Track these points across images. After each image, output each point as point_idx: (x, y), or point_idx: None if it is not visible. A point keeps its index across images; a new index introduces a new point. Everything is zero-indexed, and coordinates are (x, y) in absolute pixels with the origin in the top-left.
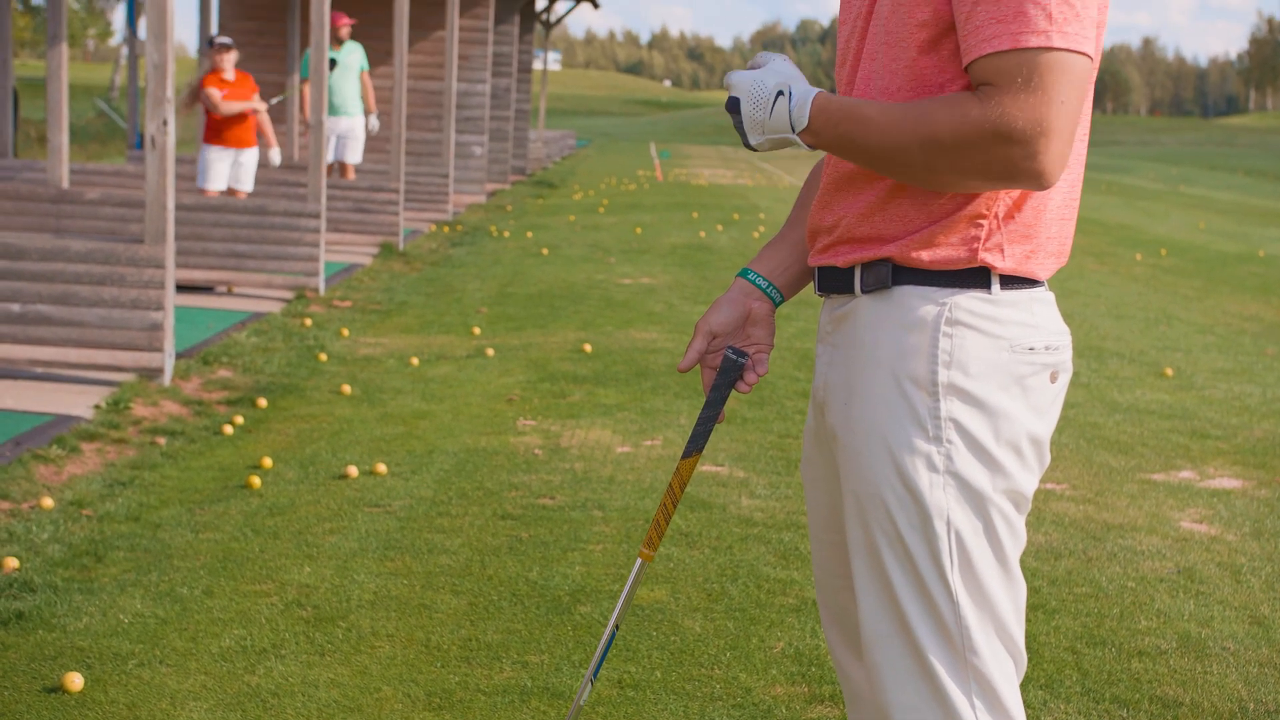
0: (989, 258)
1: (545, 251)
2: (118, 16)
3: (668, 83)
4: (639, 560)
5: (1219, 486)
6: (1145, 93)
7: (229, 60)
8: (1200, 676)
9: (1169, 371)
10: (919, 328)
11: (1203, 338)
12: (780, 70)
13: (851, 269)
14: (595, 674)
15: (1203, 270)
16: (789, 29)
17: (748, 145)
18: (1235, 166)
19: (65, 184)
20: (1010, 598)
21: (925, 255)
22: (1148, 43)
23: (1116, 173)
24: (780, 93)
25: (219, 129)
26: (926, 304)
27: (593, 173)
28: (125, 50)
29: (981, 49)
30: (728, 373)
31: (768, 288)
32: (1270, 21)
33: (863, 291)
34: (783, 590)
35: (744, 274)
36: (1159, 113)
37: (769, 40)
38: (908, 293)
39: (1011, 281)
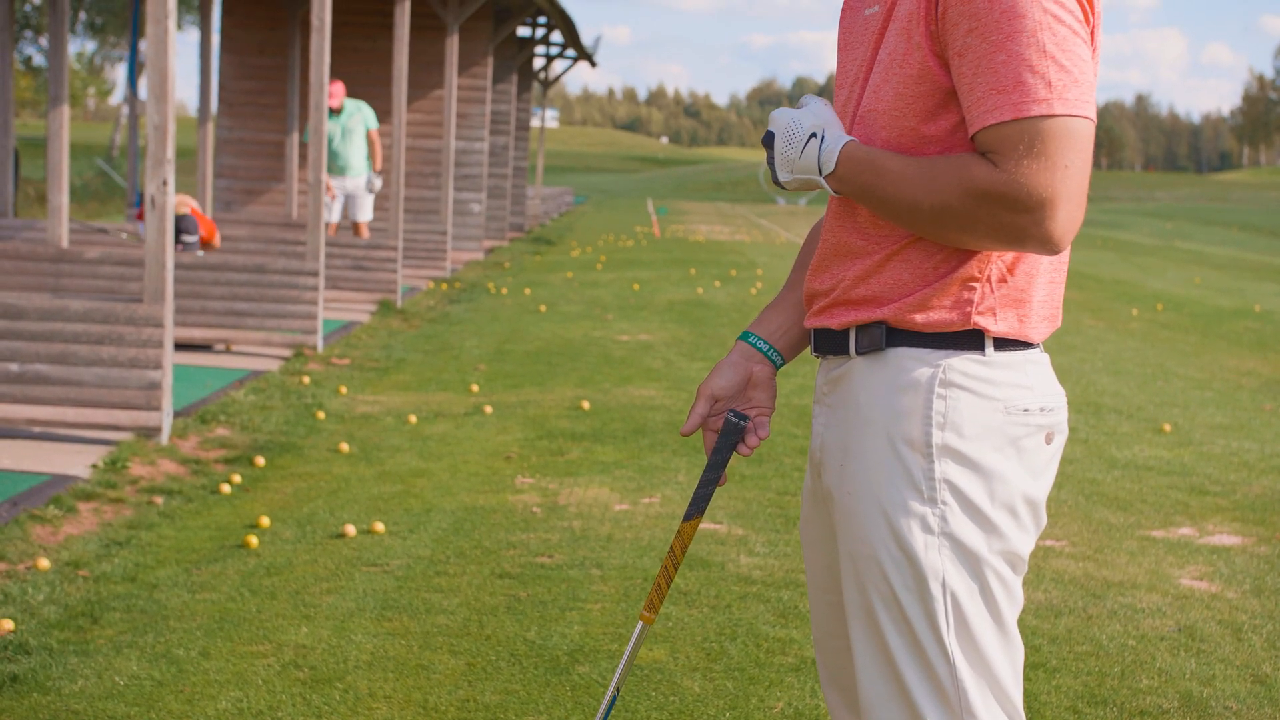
0: (982, 321)
1: (543, 308)
2: (118, 75)
3: (665, 139)
4: (640, 623)
5: (1219, 543)
6: (1139, 149)
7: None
8: None
9: (1167, 427)
10: (913, 389)
11: (1200, 393)
12: (818, 114)
13: (846, 331)
14: None
15: (1199, 325)
16: (785, 86)
17: (776, 181)
18: (1230, 222)
19: (65, 243)
20: (1008, 659)
21: (919, 318)
22: (1141, 99)
23: (1112, 228)
24: (814, 135)
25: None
26: (920, 366)
27: (590, 229)
28: (125, 110)
29: (984, 120)
30: (729, 436)
31: (769, 350)
32: (1261, 79)
33: (857, 353)
34: (782, 649)
35: (745, 337)
36: (1153, 168)
37: (765, 97)
38: (902, 354)
39: (1005, 344)
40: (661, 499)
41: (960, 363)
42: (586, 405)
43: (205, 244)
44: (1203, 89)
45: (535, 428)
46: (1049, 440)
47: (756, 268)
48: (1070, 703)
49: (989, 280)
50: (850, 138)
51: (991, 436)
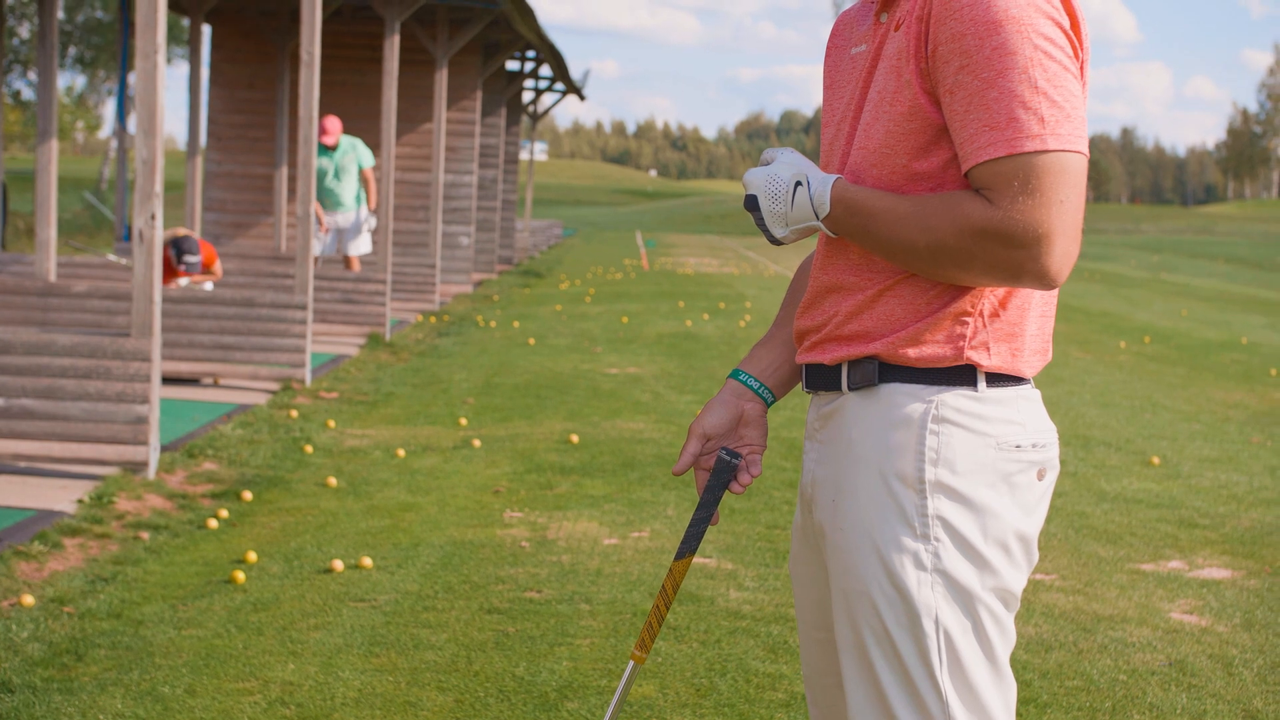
0: (975, 356)
1: (532, 341)
2: (107, 109)
3: (653, 172)
4: (630, 662)
5: (1208, 577)
6: (1126, 182)
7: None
8: None
9: (1155, 460)
10: (905, 425)
11: (1188, 425)
12: (792, 162)
13: (838, 366)
14: None
15: (1186, 357)
16: (773, 119)
17: (772, 239)
18: (1216, 254)
19: (52, 277)
20: (1000, 696)
21: (912, 353)
22: (1126, 133)
23: (1099, 260)
24: (798, 183)
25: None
26: (913, 401)
27: (579, 262)
28: (114, 143)
29: (978, 157)
30: (721, 474)
31: (759, 388)
32: (1244, 113)
33: (849, 389)
34: (772, 685)
35: (735, 375)
36: (1139, 201)
37: (753, 130)
38: (894, 390)
39: (998, 379)
40: (651, 533)
41: (953, 398)
42: (575, 439)
43: (206, 270)
44: (1187, 122)
45: (524, 461)
46: (1041, 476)
47: (745, 300)
48: None
49: (981, 315)
50: (836, 176)
51: (984, 472)
